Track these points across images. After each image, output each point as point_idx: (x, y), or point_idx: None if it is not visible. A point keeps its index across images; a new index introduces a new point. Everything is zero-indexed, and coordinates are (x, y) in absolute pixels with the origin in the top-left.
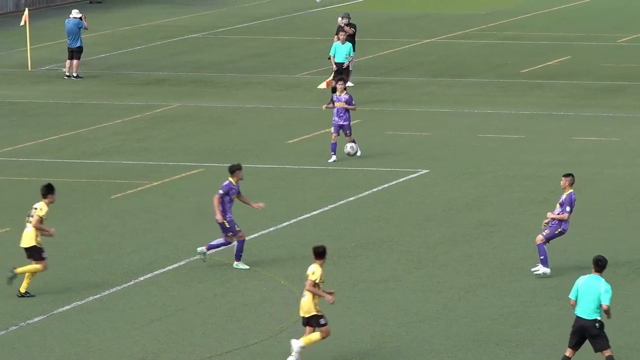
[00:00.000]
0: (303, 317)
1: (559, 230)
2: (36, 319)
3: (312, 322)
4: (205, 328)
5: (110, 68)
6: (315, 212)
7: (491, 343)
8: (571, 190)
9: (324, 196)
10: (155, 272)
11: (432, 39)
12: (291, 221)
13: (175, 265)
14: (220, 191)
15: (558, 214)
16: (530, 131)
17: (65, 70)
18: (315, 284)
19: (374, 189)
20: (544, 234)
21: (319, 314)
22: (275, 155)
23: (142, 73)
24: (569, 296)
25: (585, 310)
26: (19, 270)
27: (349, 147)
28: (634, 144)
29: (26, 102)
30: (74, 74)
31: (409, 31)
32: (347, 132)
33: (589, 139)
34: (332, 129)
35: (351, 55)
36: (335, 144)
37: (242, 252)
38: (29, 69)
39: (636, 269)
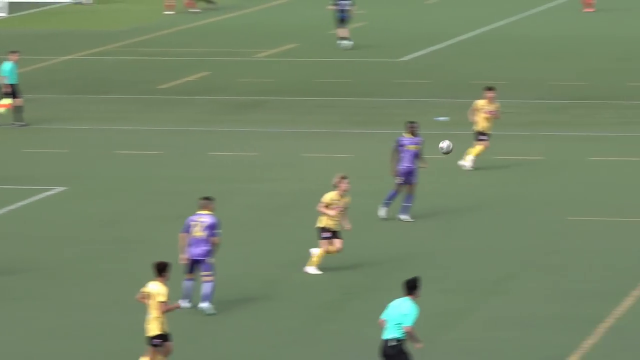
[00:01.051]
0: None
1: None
2: None
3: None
4: None
5: None
6: None
7: None
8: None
9: None
10: None
11: (72, 56)
12: None
13: None
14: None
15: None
16: (169, 147)
17: None
18: (164, 304)
19: (10, 207)
20: None
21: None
22: None
23: None
24: (380, 316)
25: (386, 332)
26: None
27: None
28: (269, 158)
29: None
30: None
31: (48, 48)
32: None
33: (226, 154)
34: None
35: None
36: None
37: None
38: None
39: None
